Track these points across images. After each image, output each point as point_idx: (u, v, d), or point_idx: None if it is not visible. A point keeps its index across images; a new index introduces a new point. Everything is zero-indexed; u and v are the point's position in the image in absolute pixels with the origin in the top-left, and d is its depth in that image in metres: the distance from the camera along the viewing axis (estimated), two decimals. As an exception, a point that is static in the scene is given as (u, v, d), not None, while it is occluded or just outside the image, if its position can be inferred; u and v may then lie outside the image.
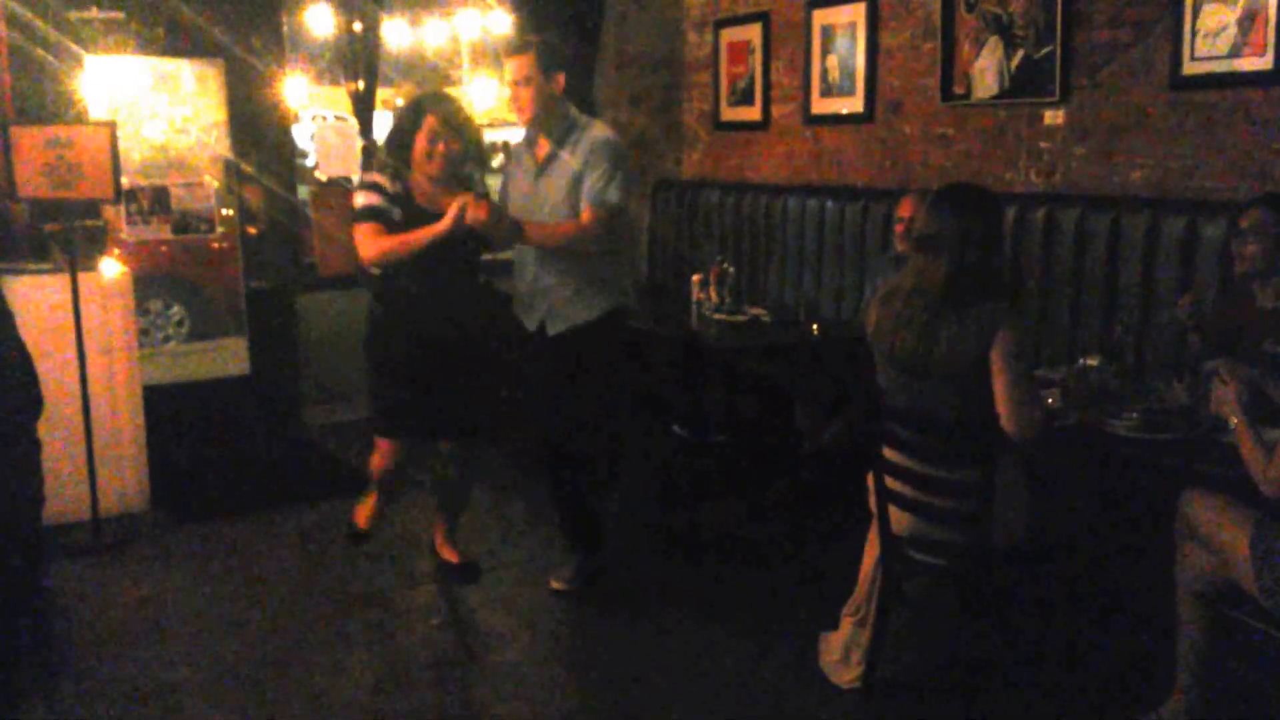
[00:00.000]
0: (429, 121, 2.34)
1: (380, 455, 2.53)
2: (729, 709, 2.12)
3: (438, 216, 2.28)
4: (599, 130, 2.49)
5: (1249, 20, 2.40)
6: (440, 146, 2.33)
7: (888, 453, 1.99)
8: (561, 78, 2.44)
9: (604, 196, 2.40)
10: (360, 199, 2.36)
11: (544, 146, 2.48)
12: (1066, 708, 2.05)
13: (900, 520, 2.01)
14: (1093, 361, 2.30)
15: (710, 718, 2.10)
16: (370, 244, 2.33)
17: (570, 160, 2.43)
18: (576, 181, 2.42)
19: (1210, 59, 2.49)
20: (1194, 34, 2.51)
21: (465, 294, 2.45)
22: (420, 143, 2.34)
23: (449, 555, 2.66)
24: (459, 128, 2.36)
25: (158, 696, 2.17)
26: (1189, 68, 2.54)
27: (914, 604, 2.14)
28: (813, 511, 2.96)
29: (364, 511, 2.66)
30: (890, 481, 1.99)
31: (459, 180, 2.41)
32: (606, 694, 2.20)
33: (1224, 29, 2.45)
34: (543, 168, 2.48)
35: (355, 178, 4.47)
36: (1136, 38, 2.67)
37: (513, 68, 2.41)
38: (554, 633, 2.48)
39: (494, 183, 2.70)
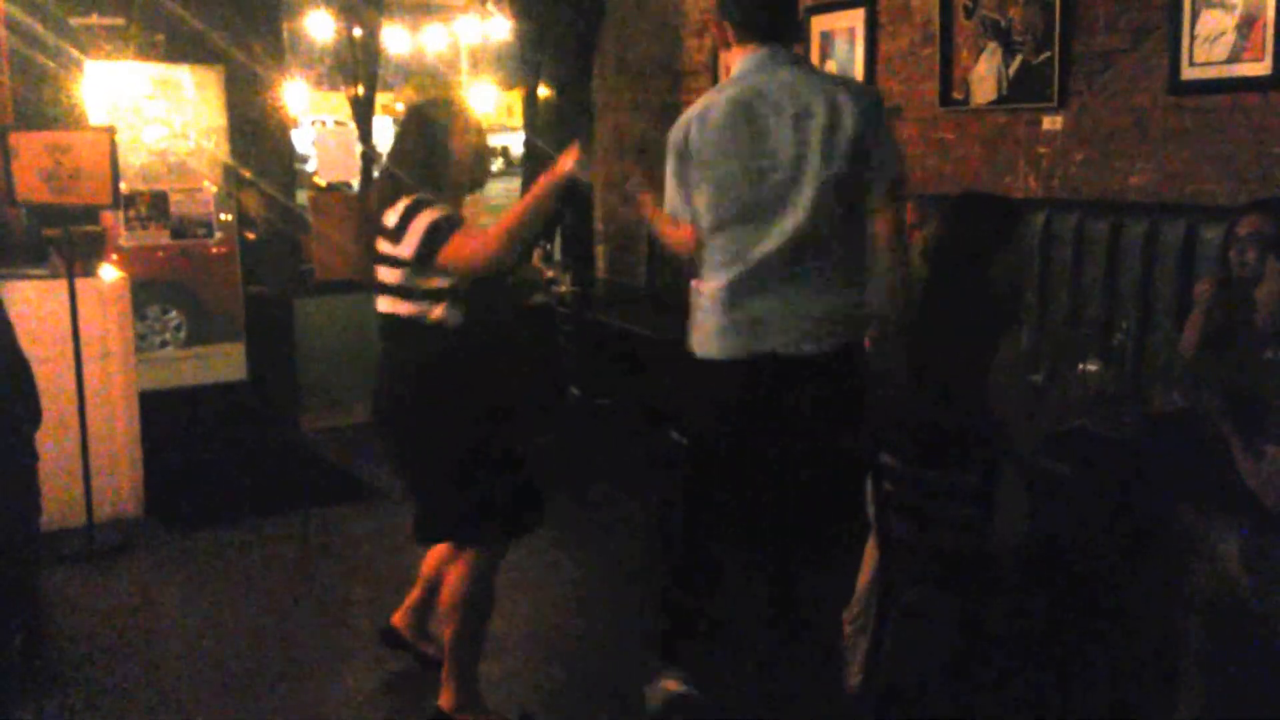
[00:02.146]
0: (456, 116, 1.95)
1: (469, 569, 1.94)
2: (730, 714, 2.11)
3: None
4: None
5: (1247, 25, 2.40)
6: (474, 136, 1.96)
7: (885, 458, 1.98)
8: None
9: None
10: (431, 213, 1.84)
11: None
12: (1068, 717, 2.04)
13: (899, 525, 2.00)
14: (1092, 367, 2.29)
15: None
16: (483, 240, 1.82)
17: None
18: None
19: (1209, 64, 2.49)
20: (1192, 39, 2.51)
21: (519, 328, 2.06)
22: (459, 144, 1.93)
23: (427, 647, 2.21)
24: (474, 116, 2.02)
25: (152, 704, 2.16)
26: (1187, 73, 2.54)
27: (913, 611, 2.13)
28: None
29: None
30: (889, 488, 1.98)
31: (476, 186, 2.04)
32: (606, 700, 2.18)
33: (1222, 34, 2.45)
34: None
35: (355, 183, 4.48)
36: (1135, 43, 2.67)
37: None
38: (552, 640, 2.47)
39: (496, 187, 2.57)
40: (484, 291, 1.91)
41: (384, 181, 1.99)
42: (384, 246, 1.90)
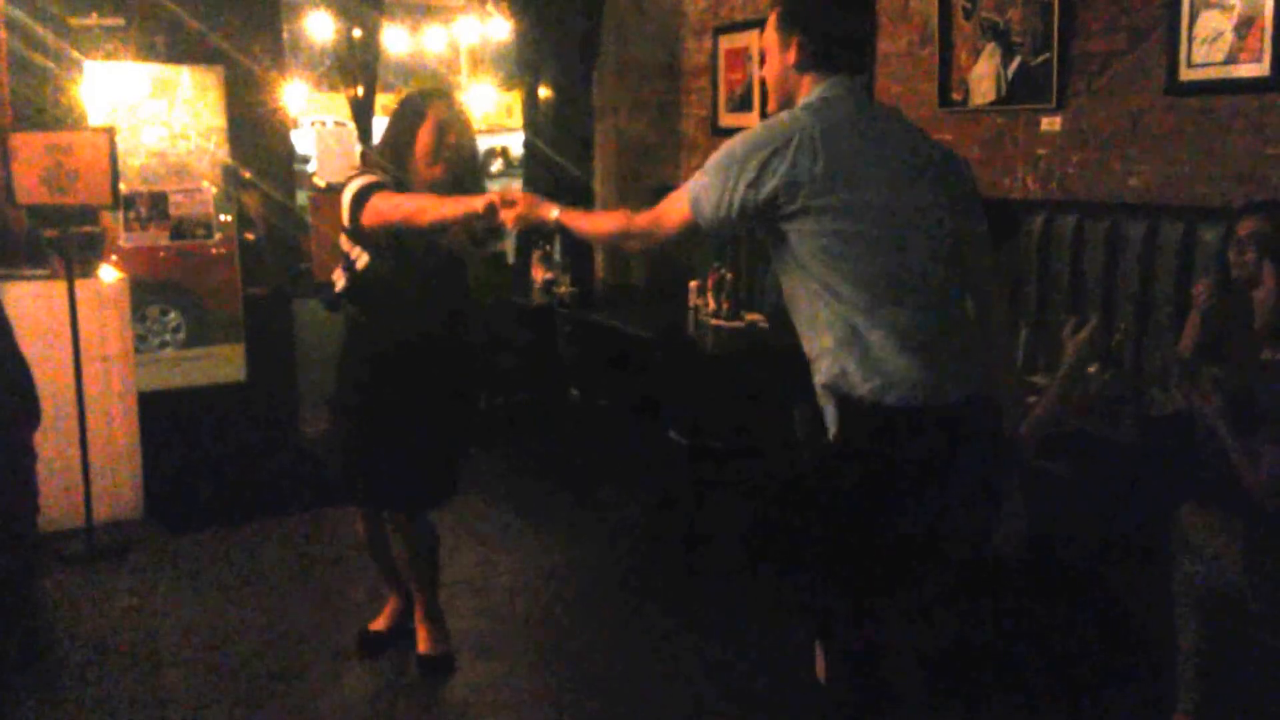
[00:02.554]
0: (435, 112, 2.04)
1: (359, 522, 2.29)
2: (725, 715, 2.11)
3: (415, 252, 2.01)
4: None
5: (1245, 27, 2.40)
6: (451, 138, 2.04)
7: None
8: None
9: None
10: (359, 181, 2.01)
11: None
12: (1065, 718, 2.04)
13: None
14: (1091, 368, 2.29)
15: (706, 726, 2.09)
16: (385, 202, 1.96)
17: None
18: None
19: (1207, 65, 2.49)
20: (1191, 41, 2.51)
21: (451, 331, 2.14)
22: (424, 139, 2.03)
23: (426, 645, 2.27)
24: (467, 122, 2.09)
25: (151, 705, 2.16)
26: (1186, 74, 2.54)
27: (909, 610, 2.13)
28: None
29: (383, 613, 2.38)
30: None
31: (462, 190, 2.05)
32: (602, 700, 2.18)
33: (1220, 35, 2.45)
34: None
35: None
36: (1133, 45, 2.67)
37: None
38: (547, 641, 2.46)
39: (493, 189, 2.47)
40: (396, 269, 2.05)
41: (359, 163, 2.12)
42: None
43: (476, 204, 1.85)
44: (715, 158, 1.51)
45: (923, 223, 1.49)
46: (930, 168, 1.53)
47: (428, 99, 2.09)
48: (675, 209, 1.55)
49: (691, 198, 1.52)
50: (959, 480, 1.50)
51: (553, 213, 1.70)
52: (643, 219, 1.60)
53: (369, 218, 1.99)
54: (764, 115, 4.00)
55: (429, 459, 2.17)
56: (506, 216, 1.79)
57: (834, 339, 1.48)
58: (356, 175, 2.07)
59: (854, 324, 1.46)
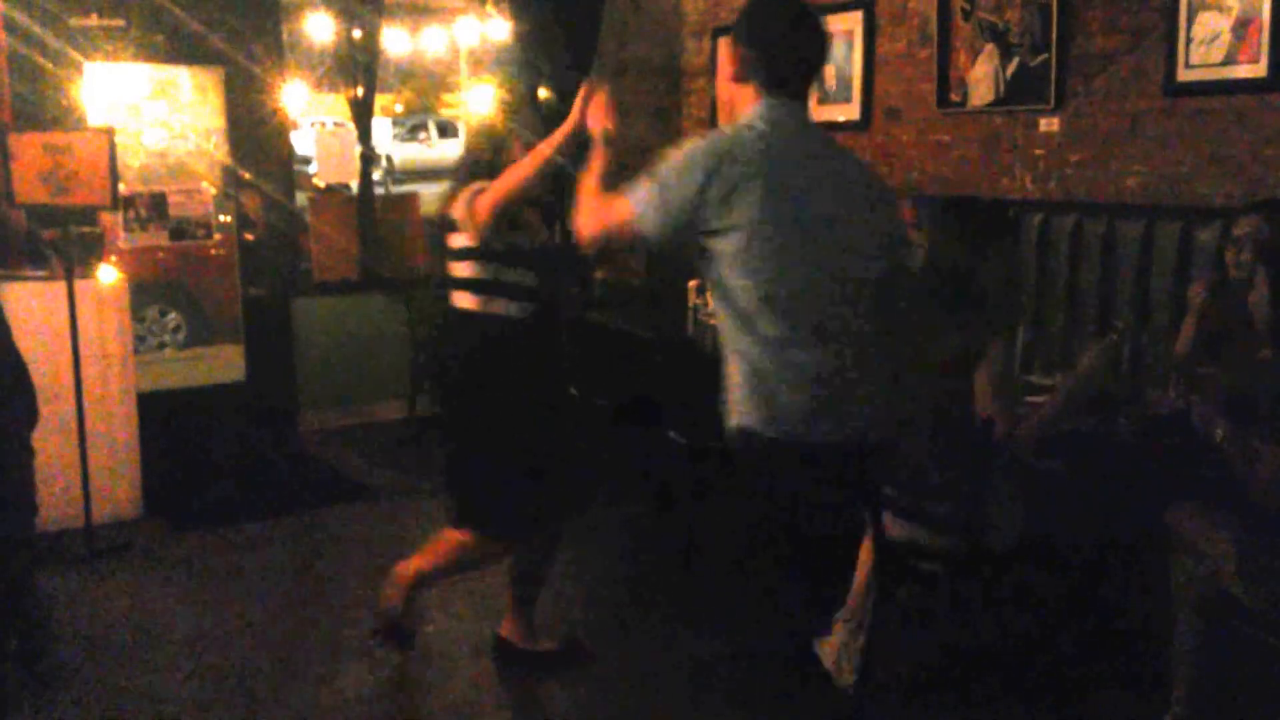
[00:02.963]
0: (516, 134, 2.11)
1: (470, 549, 2.09)
2: (726, 713, 2.11)
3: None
4: None
5: (1243, 28, 2.41)
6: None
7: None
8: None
9: None
10: (473, 188, 1.97)
11: None
12: (1062, 717, 2.04)
13: (894, 526, 2.01)
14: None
15: (705, 725, 2.09)
16: (490, 190, 1.92)
17: None
18: None
19: (1204, 66, 2.50)
20: (1188, 42, 2.52)
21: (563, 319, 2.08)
22: (516, 151, 2.05)
23: (544, 644, 2.26)
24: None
25: (149, 705, 2.16)
26: (1183, 75, 2.55)
27: (908, 610, 2.14)
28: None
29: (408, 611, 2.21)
30: (884, 489, 1.99)
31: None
32: (602, 699, 2.19)
33: (1218, 36, 2.46)
34: None
35: (354, 184, 4.48)
36: (1131, 46, 2.68)
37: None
38: (553, 639, 2.46)
39: None
40: (543, 287, 2.02)
41: (453, 181, 2.10)
42: (452, 239, 2.05)
43: (563, 134, 1.85)
44: (660, 167, 1.47)
45: (851, 260, 1.46)
46: (865, 201, 1.51)
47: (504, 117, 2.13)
48: (618, 213, 1.50)
49: (637, 206, 1.47)
50: (831, 514, 1.54)
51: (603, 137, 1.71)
52: (596, 212, 1.54)
53: (475, 213, 1.94)
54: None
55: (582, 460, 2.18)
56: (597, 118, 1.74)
57: (741, 369, 1.47)
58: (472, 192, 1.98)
59: (762, 356, 1.44)
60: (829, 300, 1.44)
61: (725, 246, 1.44)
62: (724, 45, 1.58)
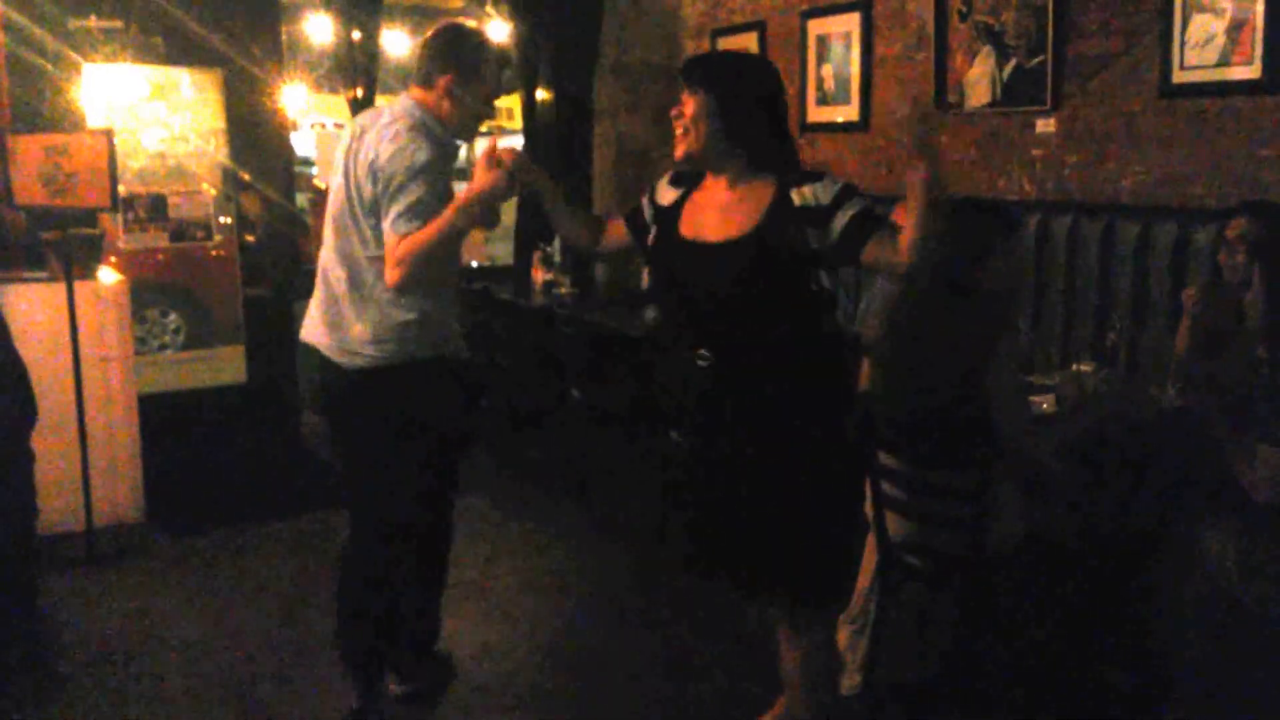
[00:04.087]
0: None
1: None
2: (727, 712, 2.12)
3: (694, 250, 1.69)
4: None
5: (1237, 30, 2.43)
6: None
7: (883, 459, 2.00)
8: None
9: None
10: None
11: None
12: (1064, 717, 2.06)
13: (897, 526, 2.02)
14: (1086, 367, 2.31)
15: (705, 725, 2.10)
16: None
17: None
18: None
19: (1199, 68, 2.51)
20: (1183, 43, 2.54)
21: None
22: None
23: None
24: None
25: (152, 708, 2.17)
26: (1178, 76, 2.56)
27: (912, 610, 2.15)
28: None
29: None
30: (886, 487, 2.00)
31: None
32: (605, 702, 2.20)
33: (1212, 38, 2.47)
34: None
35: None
36: (1126, 47, 2.70)
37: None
38: (552, 643, 2.48)
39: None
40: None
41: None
42: None
43: (484, 186, 1.75)
44: None
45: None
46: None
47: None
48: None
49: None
50: None
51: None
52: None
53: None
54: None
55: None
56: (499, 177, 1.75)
57: None
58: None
59: None
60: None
61: None
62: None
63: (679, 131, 1.72)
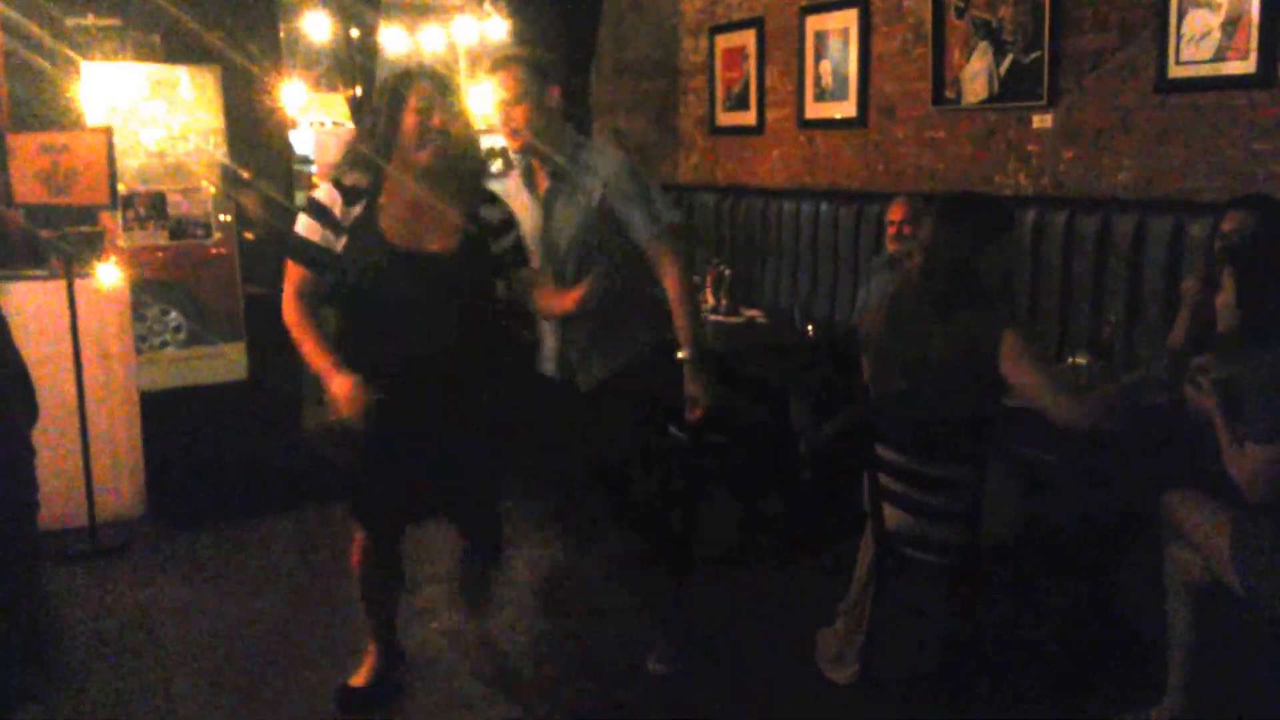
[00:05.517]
0: (419, 90, 1.76)
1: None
2: (727, 708, 2.14)
3: (407, 260, 1.77)
4: (610, 152, 2.12)
5: (1232, 25, 2.44)
6: (436, 121, 1.75)
7: (880, 451, 2.01)
8: (557, 92, 2.03)
9: (663, 220, 2.05)
10: (298, 223, 1.88)
11: (543, 176, 2.09)
12: (1058, 706, 2.07)
13: (893, 518, 2.03)
14: (1081, 359, 2.33)
15: (707, 714, 2.11)
16: (287, 304, 1.95)
17: (584, 189, 2.03)
18: (599, 214, 2.03)
19: (1195, 63, 2.53)
20: (1179, 38, 2.55)
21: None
22: (409, 121, 1.76)
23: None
24: (455, 101, 1.81)
25: (154, 703, 2.17)
26: (1174, 71, 2.57)
27: (908, 601, 2.16)
28: (808, 510, 2.98)
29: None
30: (883, 479, 2.01)
31: (463, 187, 1.86)
32: (604, 693, 2.21)
33: (1208, 33, 2.49)
34: (549, 200, 2.08)
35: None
36: (1123, 42, 2.71)
37: (500, 84, 1.99)
38: (552, 635, 2.49)
39: (494, 187, 2.15)
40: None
41: (339, 160, 1.91)
42: None
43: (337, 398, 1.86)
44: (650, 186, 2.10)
45: (555, 248, 2.17)
46: (561, 196, 2.16)
47: (407, 81, 1.80)
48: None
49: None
50: None
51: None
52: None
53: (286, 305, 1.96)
54: (760, 113, 4.02)
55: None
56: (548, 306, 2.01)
57: None
58: (306, 200, 1.89)
59: None
60: None
61: None
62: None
63: None
